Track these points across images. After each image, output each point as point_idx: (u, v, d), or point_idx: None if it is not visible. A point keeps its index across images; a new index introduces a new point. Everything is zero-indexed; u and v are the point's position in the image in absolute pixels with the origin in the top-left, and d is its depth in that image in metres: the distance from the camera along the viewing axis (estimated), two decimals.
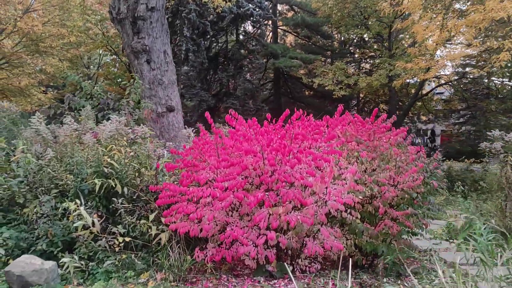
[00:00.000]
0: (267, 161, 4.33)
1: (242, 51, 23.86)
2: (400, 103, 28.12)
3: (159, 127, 10.41)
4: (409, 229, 4.68)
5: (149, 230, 4.75)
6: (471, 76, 25.35)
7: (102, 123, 6.10)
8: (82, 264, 4.47)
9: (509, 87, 24.32)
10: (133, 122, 7.65)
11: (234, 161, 4.34)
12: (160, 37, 10.47)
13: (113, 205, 5.04)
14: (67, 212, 4.87)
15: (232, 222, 4.53)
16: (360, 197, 4.52)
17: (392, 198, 4.52)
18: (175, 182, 5.34)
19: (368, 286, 4.40)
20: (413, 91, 27.62)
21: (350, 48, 29.77)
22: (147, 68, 10.44)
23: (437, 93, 30.70)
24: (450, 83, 26.15)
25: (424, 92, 26.96)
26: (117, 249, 4.61)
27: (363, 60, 29.68)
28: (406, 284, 4.56)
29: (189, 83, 22.84)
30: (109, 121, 5.96)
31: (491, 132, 6.60)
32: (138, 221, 4.90)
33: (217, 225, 4.55)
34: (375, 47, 27.59)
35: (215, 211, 4.38)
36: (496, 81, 25.67)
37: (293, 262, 4.84)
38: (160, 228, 4.84)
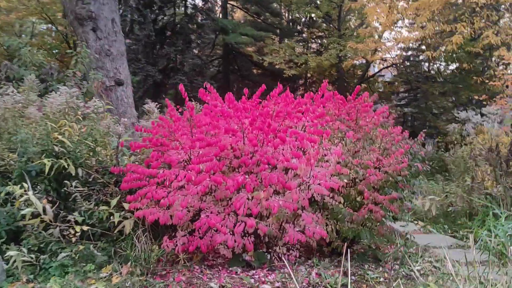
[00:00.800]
0: (248, 141, 3.90)
1: (191, 25, 22.90)
2: (345, 84, 28.48)
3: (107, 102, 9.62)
4: (393, 214, 4.47)
5: (111, 218, 4.20)
6: (415, 59, 26.17)
7: (49, 95, 5.36)
8: (32, 258, 3.84)
9: (450, 70, 25.29)
10: (81, 95, 6.90)
11: (211, 140, 3.88)
12: (108, 3, 9.57)
13: (65, 188, 4.43)
14: (11, 197, 4.20)
15: (207, 208, 4.09)
16: (345, 180, 4.23)
17: (377, 181, 4.26)
18: (137, 163, 4.80)
19: (353, 275, 4.15)
20: (359, 72, 28.09)
21: (299, 27, 29.58)
22: (93, 37, 9.51)
23: (380, 76, 31.44)
24: (395, 65, 26.85)
25: (369, 74, 27.47)
26: (73, 239, 4.03)
27: (312, 40, 29.61)
28: (388, 272, 4.37)
29: (134, 57, 21.61)
30: (58, 93, 5.24)
31: (458, 113, 6.57)
32: (96, 207, 4.33)
33: (189, 211, 4.09)
34: (323, 27, 27.59)
35: (189, 196, 3.92)
36: (436, 65, 26.65)
37: (270, 250, 4.50)
38: (122, 215, 4.31)
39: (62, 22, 21.22)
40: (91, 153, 4.89)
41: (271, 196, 3.98)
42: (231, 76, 27.42)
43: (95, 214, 4.32)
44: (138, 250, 4.06)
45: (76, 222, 4.14)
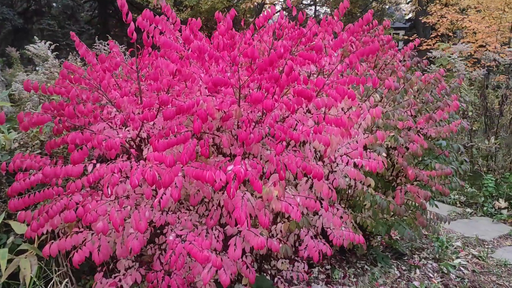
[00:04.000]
0: (251, 101, 2.20)
1: None
2: (236, 30, 26.81)
3: None
4: (442, 195, 3.16)
5: None
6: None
7: None
8: None
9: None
10: None
11: (183, 104, 2.08)
12: None
13: None
14: None
15: (176, 222, 2.36)
16: (384, 154, 2.79)
17: (420, 150, 2.89)
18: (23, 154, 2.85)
19: None
20: (249, 18, 26.64)
21: None
22: None
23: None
24: (285, 10, 25.94)
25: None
26: None
27: None
28: (431, 275, 3.12)
29: None
30: None
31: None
32: None
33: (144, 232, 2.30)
34: None
35: (146, 208, 2.16)
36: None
37: (266, 267, 2.96)
38: (9, 244, 2.37)
39: None
40: None
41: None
42: (110, 21, 23.91)
43: None
44: None
45: None
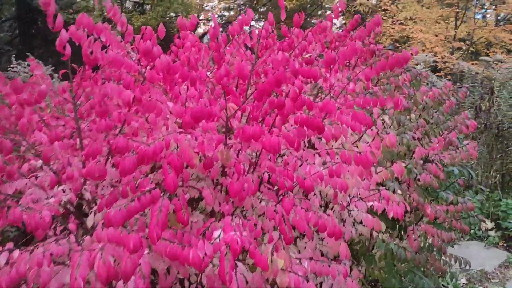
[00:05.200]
0: (243, 139, 1.55)
1: None
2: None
3: None
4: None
5: None
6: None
7: None
8: None
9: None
10: None
11: (148, 149, 1.40)
12: None
13: None
14: None
15: None
16: (400, 191, 2.24)
17: (435, 181, 2.39)
18: None
19: None
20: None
21: None
22: None
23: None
24: (225, 24, 25.82)
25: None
26: None
27: None
28: None
29: None
30: None
31: None
32: None
33: None
34: None
35: None
36: None
37: None
38: None
39: None
40: None
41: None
42: (35, 41, 22.15)
43: None
44: None
45: None
